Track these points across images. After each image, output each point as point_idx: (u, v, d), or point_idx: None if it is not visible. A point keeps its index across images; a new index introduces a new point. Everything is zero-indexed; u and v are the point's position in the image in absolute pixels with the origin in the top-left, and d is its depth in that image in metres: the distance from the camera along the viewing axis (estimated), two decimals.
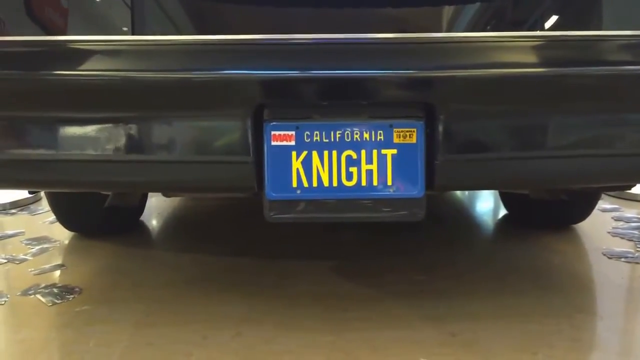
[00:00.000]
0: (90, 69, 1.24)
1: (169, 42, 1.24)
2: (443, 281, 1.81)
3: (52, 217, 2.48)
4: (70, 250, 2.20)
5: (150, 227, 2.52)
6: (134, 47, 1.24)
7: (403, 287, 1.77)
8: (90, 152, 1.25)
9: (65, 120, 1.27)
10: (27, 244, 2.26)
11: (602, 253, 2.08)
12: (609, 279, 1.85)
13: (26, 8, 1.28)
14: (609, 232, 2.33)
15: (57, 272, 1.97)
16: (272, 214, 1.27)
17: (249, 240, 2.26)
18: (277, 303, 1.66)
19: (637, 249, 2.12)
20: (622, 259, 2.02)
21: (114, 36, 1.26)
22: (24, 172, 1.33)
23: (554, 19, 1.29)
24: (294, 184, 1.25)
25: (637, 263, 1.98)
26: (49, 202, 2.25)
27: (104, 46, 1.25)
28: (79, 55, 1.26)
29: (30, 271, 1.97)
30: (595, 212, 2.42)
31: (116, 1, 1.28)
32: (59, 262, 2.06)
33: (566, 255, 2.07)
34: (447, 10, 1.29)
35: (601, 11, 1.30)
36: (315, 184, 1.26)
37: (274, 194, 1.26)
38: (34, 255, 2.13)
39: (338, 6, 1.27)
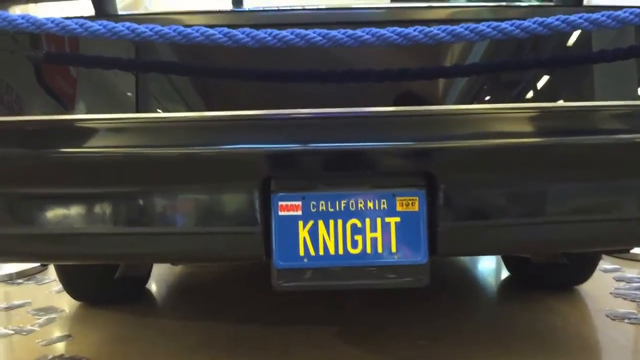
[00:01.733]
0: (102, 146, 1.30)
1: (176, 119, 1.31)
2: (447, 347, 1.82)
3: (59, 286, 2.49)
4: (76, 319, 2.21)
5: (155, 295, 2.53)
6: (143, 125, 1.30)
7: (408, 352, 1.78)
8: (104, 225, 1.30)
9: (77, 195, 1.32)
10: (33, 315, 2.27)
11: (606, 314, 2.09)
12: (614, 341, 1.86)
13: (36, 89, 1.35)
14: (611, 293, 2.35)
15: (65, 343, 1.97)
16: (280, 282, 1.30)
17: (254, 305, 2.27)
18: None
19: None
20: (626, 320, 2.03)
21: (123, 114, 1.32)
22: (36, 246, 1.37)
23: (549, 90, 1.36)
24: (301, 253, 1.29)
25: None
26: (56, 271, 2.28)
27: (112, 124, 1.31)
28: (89, 133, 1.32)
29: (38, 342, 1.98)
30: (596, 272, 2.44)
31: (123, 80, 1.35)
32: (66, 332, 2.07)
33: (570, 317, 2.08)
34: (445, 83, 1.36)
35: (593, 83, 1.37)
36: (321, 252, 1.29)
37: (281, 263, 1.29)
38: (40, 325, 2.14)
39: (338, 81, 1.34)
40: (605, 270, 2.66)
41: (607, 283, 2.49)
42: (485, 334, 1.92)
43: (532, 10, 1.42)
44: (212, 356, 1.79)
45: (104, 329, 2.07)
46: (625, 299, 2.27)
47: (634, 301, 2.24)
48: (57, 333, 2.06)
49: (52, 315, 2.25)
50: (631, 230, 1.35)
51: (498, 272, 2.77)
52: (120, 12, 1.36)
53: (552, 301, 2.24)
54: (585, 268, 2.32)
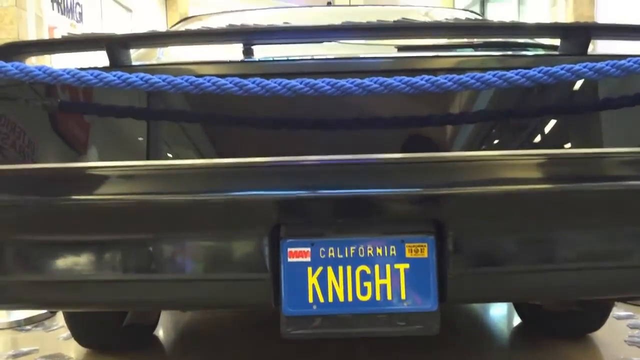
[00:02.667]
0: (111, 193, 1.32)
1: (186, 166, 1.33)
2: None
3: (67, 332, 2.47)
4: None
5: (164, 342, 2.51)
6: (154, 172, 1.32)
7: None
8: (113, 272, 1.30)
9: (87, 242, 1.33)
10: None
11: (624, 341, 2.05)
12: None
13: (48, 136, 1.38)
14: (625, 341, 2.30)
15: None
16: (289, 330, 1.30)
17: (263, 353, 2.24)
18: None
19: None
20: None
21: (132, 162, 1.34)
22: (45, 293, 1.37)
23: (557, 137, 1.37)
24: (310, 300, 1.29)
25: None
26: (64, 318, 2.27)
27: (121, 171, 1.33)
28: (98, 180, 1.34)
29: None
30: (610, 319, 2.40)
31: (135, 127, 1.37)
32: None
33: (587, 347, 2.04)
34: (453, 130, 1.38)
35: (602, 129, 1.38)
36: (331, 299, 1.29)
37: (290, 310, 1.29)
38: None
39: (348, 128, 1.36)
40: (619, 318, 2.62)
41: (621, 330, 2.45)
42: None
43: (537, 59, 1.44)
44: None
45: None
46: (639, 347, 2.23)
47: None
48: None
49: None
50: None
51: (510, 318, 2.73)
52: (133, 63, 1.39)
53: (565, 349, 2.20)
54: (598, 315, 2.29)
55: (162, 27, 8.61)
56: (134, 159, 1.35)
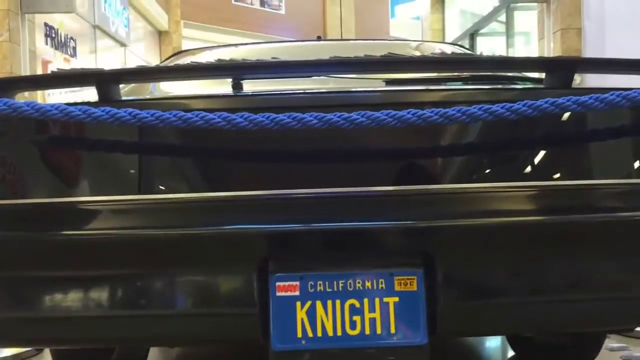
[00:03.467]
0: (95, 228, 1.31)
1: (174, 200, 1.32)
2: None
3: None
4: None
5: None
6: (141, 206, 1.32)
7: None
8: (99, 309, 1.29)
9: (76, 278, 1.31)
10: None
11: (620, 357, 2.03)
12: None
13: (38, 172, 1.38)
14: None
15: None
16: None
17: None
18: None
19: None
20: None
21: (119, 196, 1.33)
22: (32, 330, 1.36)
23: (545, 169, 1.38)
24: (299, 334, 1.28)
25: None
26: (52, 355, 2.24)
27: (107, 205, 1.32)
28: (87, 215, 1.33)
29: None
30: (603, 351, 2.38)
31: (123, 162, 1.37)
32: None
33: None
34: (442, 163, 1.39)
35: (590, 161, 1.39)
36: (319, 333, 1.28)
37: (279, 345, 1.28)
38: None
39: (335, 161, 1.37)
40: (612, 349, 2.60)
41: None
42: None
43: (523, 93, 1.46)
44: None
45: None
46: None
47: None
48: None
49: None
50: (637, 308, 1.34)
51: (503, 350, 2.71)
52: (125, 97, 1.40)
53: None
54: (590, 347, 2.28)
55: (155, 62, 8.69)
56: (121, 194, 1.34)
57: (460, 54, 2.04)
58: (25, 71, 5.30)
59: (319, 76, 1.66)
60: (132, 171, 1.36)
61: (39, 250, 1.31)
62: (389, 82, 1.57)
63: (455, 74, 1.66)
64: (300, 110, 1.25)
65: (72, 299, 1.30)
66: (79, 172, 1.38)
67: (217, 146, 1.37)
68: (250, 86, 1.56)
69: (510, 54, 6.98)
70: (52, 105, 1.22)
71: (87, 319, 1.30)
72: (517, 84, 1.68)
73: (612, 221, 1.32)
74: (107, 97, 1.35)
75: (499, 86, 1.55)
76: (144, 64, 8.77)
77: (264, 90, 1.56)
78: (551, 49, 5.79)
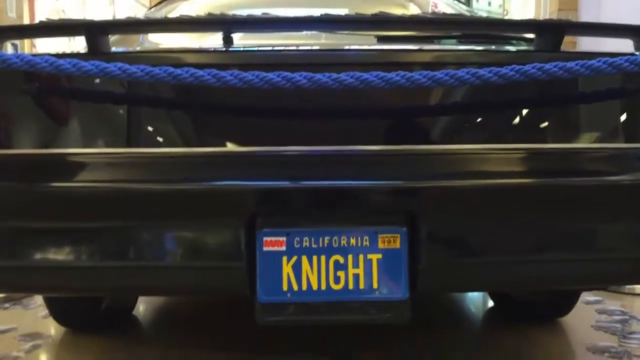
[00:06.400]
0: (87, 180, 1.33)
1: (165, 154, 1.34)
2: None
3: (45, 311, 2.49)
4: (63, 346, 2.21)
5: (142, 321, 2.54)
6: (130, 160, 1.33)
7: None
8: (88, 259, 1.32)
9: (62, 229, 1.33)
10: (20, 341, 2.27)
11: (586, 348, 2.12)
12: None
13: (27, 122, 1.38)
14: (592, 326, 2.38)
15: None
16: (263, 317, 1.33)
17: (240, 332, 2.28)
18: None
19: (621, 344, 2.16)
20: (606, 354, 2.06)
21: (110, 149, 1.35)
22: (21, 278, 1.39)
23: (530, 131, 1.40)
24: (285, 288, 1.32)
25: (620, 358, 2.03)
26: (43, 298, 2.29)
27: (98, 158, 1.34)
28: (74, 167, 1.35)
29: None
30: (579, 304, 2.47)
31: (113, 115, 1.38)
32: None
33: (551, 350, 2.11)
34: (428, 122, 1.41)
35: (575, 124, 1.42)
36: (304, 287, 1.32)
37: (265, 297, 1.32)
38: (26, 352, 2.14)
39: (324, 119, 1.38)
40: (588, 302, 2.70)
41: (589, 315, 2.52)
42: None
43: (513, 56, 1.47)
44: None
45: (89, 357, 2.08)
46: (606, 331, 2.30)
47: (615, 334, 2.27)
48: None
49: (38, 342, 2.25)
50: (614, 269, 1.39)
51: (484, 302, 2.80)
52: (113, 49, 1.39)
53: (535, 332, 2.27)
54: (567, 301, 2.36)
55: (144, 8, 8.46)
56: (112, 147, 1.36)
57: (452, 14, 2.02)
58: (11, 8, 5.17)
59: (310, 31, 1.66)
60: (120, 124, 1.37)
61: (26, 201, 1.33)
62: (380, 38, 1.57)
63: (450, 32, 1.66)
64: (290, 67, 1.26)
65: (61, 249, 1.33)
66: (67, 124, 1.39)
67: (206, 102, 1.38)
68: (240, 40, 1.55)
69: (507, 8, 6.90)
70: (42, 58, 1.21)
71: (76, 269, 1.33)
72: (511, 43, 1.68)
73: (592, 185, 1.36)
74: (97, 48, 1.35)
75: (490, 47, 1.55)
76: (129, 15, 8.53)
77: (255, 44, 1.56)
78: (548, 5, 5.72)
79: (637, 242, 1.36)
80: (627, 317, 2.51)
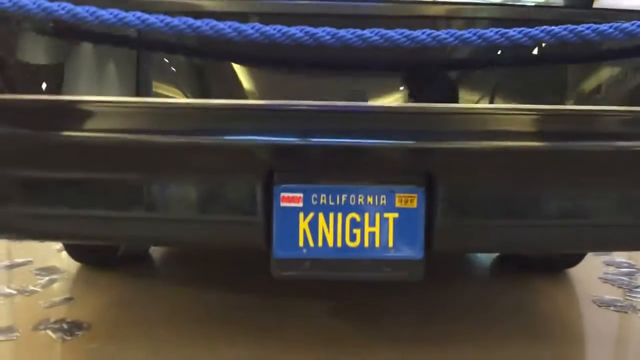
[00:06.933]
0: (107, 130, 1.31)
1: (182, 105, 1.32)
2: (436, 327, 1.88)
3: (60, 245, 2.55)
4: (78, 281, 2.27)
5: (157, 259, 2.58)
6: (146, 110, 1.31)
7: (398, 331, 1.84)
8: (109, 210, 1.33)
9: (84, 180, 1.34)
10: (36, 274, 2.33)
11: (592, 300, 2.15)
12: (598, 330, 1.93)
13: (33, 67, 1.36)
14: (599, 278, 2.40)
15: (66, 306, 2.04)
16: (278, 272, 1.34)
17: (253, 275, 2.32)
18: (280, 346, 1.73)
19: (626, 297, 2.19)
20: (612, 308, 2.10)
21: (128, 97, 1.33)
22: (36, 225, 1.40)
23: (547, 94, 1.37)
24: (301, 244, 1.33)
25: (626, 312, 2.06)
26: (64, 247, 2.33)
27: (118, 107, 1.31)
28: (89, 115, 1.33)
29: (41, 304, 2.04)
30: (588, 255, 2.49)
31: (124, 62, 1.35)
32: (68, 294, 2.13)
33: (557, 302, 2.14)
34: (449, 82, 1.38)
35: (594, 87, 1.38)
36: (320, 244, 1.33)
37: (280, 252, 1.33)
38: (42, 286, 2.20)
39: (343, 75, 1.35)
40: (596, 254, 2.72)
41: (597, 267, 2.55)
42: (469, 314, 1.98)
43: (539, 10, 1.42)
44: (210, 327, 1.86)
45: (105, 293, 2.13)
46: (612, 284, 2.33)
47: (621, 287, 2.30)
48: (58, 295, 2.12)
49: (54, 276, 2.31)
50: (628, 235, 1.39)
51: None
52: None
53: (542, 284, 2.30)
54: (576, 253, 2.37)
55: None
56: (129, 95, 1.34)
57: None
58: None
59: None
60: (136, 73, 1.34)
61: (37, 148, 1.31)
62: None
63: None
64: (310, 18, 1.22)
65: (84, 198, 1.33)
66: (77, 71, 1.36)
67: (223, 52, 1.34)
68: None
69: None
70: (59, 5, 1.18)
71: (92, 218, 1.34)
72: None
73: (608, 150, 1.33)
74: None
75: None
76: None
77: None
78: None
79: None
80: (634, 269, 2.54)
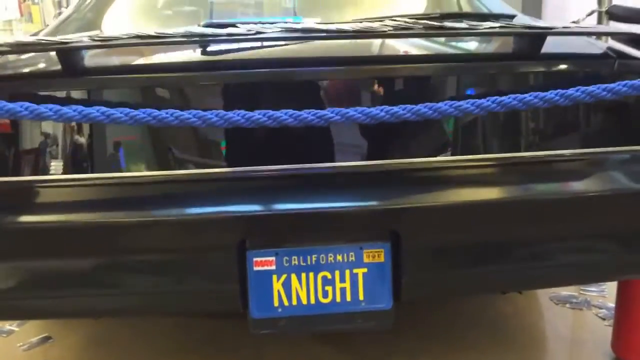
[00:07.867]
0: (84, 211, 1.35)
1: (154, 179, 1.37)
2: (405, 344, 1.99)
3: None
4: (55, 320, 2.27)
5: None
6: (117, 187, 1.36)
7: (370, 350, 1.94)
8: (93, 288, 1.38)
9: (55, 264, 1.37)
10: None
11: (550, 298, 2.29)
12: (555, 329, 2.07)
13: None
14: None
15: (45, 346, 2.07)
16: (256, 330, 1.41)
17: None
18: None
19: (581, 293, 2.33)
20: (567, 305, 2.24)
21: (105, 173, 1.37)
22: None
23: (509, 142, 1.45)
24: (276, 304, 1.40)
25: (580, 309, 2.20)
26: None
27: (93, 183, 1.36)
28: (66, 196, 1.37)
29: (19, 346, 2.06)
30: None
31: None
32: (46, 333, 2.15)
33: (517, 303, 2.27)
34: (407, 138, 1.44)
35: (555, 132, 1.47)
36: (294, 302, 1.40)
37: (257, 313, 1.40)
38: (19, 325, 2.22)
39: (305, 139, 1.40)
40: None
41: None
42: (446, 327, 2.09)
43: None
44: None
45: (82, 331, 2.16)
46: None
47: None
48: (36, 334, 2.14)
49: None
50: (581, 272, 1.50)
51: None
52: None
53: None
54: None
55: None
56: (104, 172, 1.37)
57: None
58: None
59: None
60: (111, 148, 1.37)
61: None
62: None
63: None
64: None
65: (62, 280, 1.37)
66: (41, 152, 1.38)
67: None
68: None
69: None
70: (22, 105, 1.19)
71: (78, 295, 1.39)
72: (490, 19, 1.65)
73: (560, 198, 1.42)
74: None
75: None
76: None
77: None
78: None
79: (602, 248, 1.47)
80: None
